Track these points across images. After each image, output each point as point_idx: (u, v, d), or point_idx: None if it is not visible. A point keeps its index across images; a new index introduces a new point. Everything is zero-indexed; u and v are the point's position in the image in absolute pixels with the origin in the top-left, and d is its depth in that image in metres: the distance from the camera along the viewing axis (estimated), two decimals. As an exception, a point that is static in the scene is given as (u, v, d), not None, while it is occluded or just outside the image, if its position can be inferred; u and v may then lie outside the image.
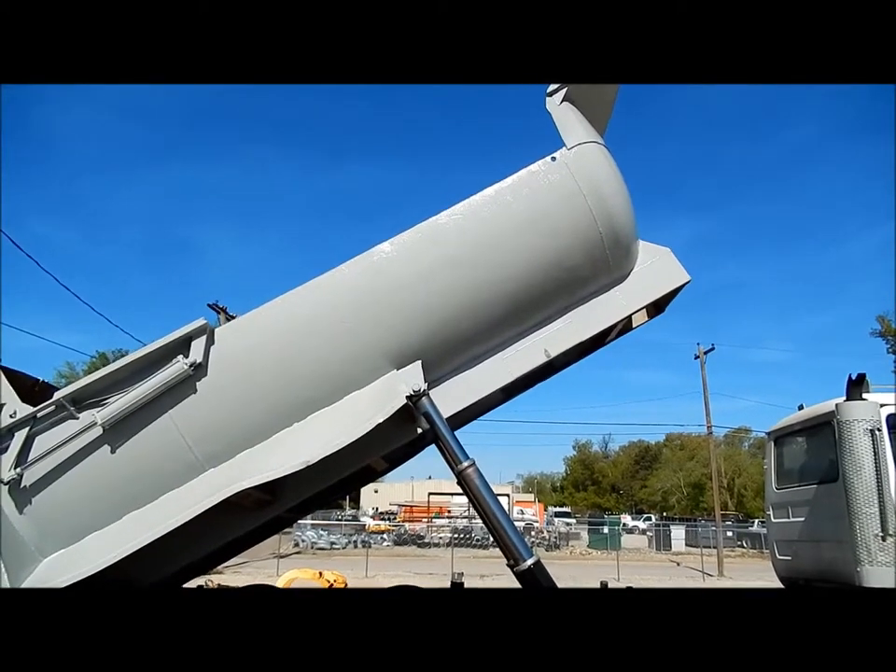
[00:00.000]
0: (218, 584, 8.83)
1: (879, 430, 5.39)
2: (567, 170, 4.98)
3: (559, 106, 5.10)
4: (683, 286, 5.46)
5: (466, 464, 4.95)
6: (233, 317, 31.61)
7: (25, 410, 4.79)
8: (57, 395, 4.80)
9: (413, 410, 4.93)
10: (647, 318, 5.79)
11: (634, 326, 5.85)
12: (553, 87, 5.08)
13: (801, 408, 7.09)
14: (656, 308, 5.71)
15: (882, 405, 5.61)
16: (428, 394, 4.98)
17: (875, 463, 5.30)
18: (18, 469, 4.72)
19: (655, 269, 5.43)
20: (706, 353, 33.77)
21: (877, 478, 5.28)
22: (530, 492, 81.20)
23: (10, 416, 4.78)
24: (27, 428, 4.78)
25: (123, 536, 4.75)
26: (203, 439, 4.88)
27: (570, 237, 5.04)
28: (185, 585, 5.89)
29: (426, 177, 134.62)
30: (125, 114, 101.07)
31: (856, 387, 5.66)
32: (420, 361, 5.02)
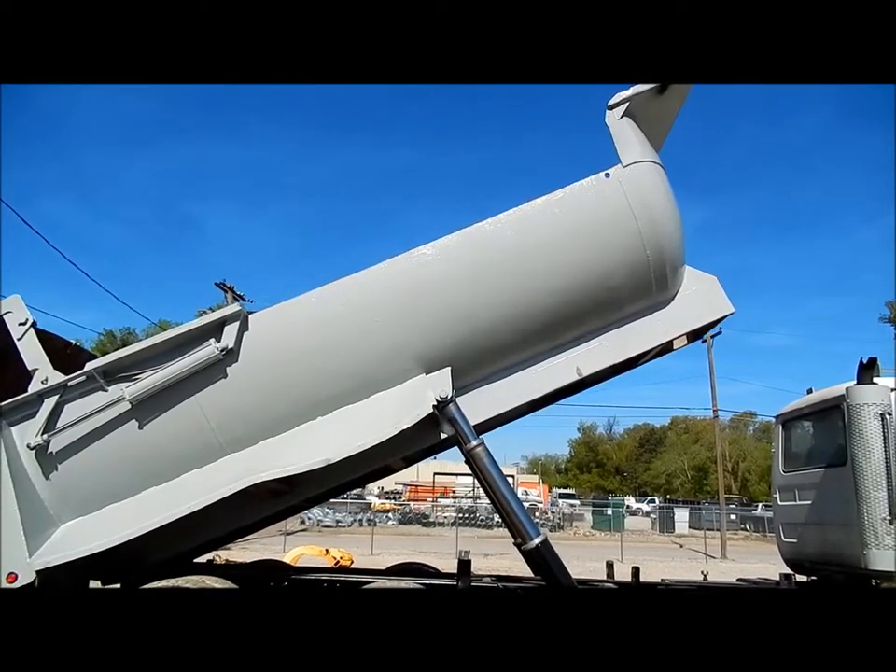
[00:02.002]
0: (226, 560, 8.93)
1: (889, 414, 5.37)
2: (620, 188, 4.86)
3: (618, 121, 4.96)
4: (726, 316, 5.35)
5: (475, 443, 4.96)
6: (241, 296, 31.54)
7: (57, 377, 4.84)
8: (88, 366, 4.83)
9: (437, 416, 4.90)
10: (686, 342, 5.66)
11: (674, 348, 5.72)
12: (614, 100, 4.93)
13: (810, 392, 7.07)
14: (695, 334, 5.60)
15: (893, 389, 5.59)
16: (455, 401, 4.94)
17: (885, 447, 5.28)
18: (45, 436, 4.78)
19: (699, 297, 5.30)
20: (713, 337, 33.65)
21: (886, 462, 5.27)
22: (535, 473, 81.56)
23: (42, 382, 4.83)
24: (57, 396, 4.83)
25: (142, 511, 4.81)
26: (226, 423, 4.90)
27: (616, 257, 4.92)
28: (196, 560, 5.97)
29: (430, 158, 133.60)
30: (127, 91, 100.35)
31: (867, 371, 5.63)
32: (450, 367, 4.96)
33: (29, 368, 4.86)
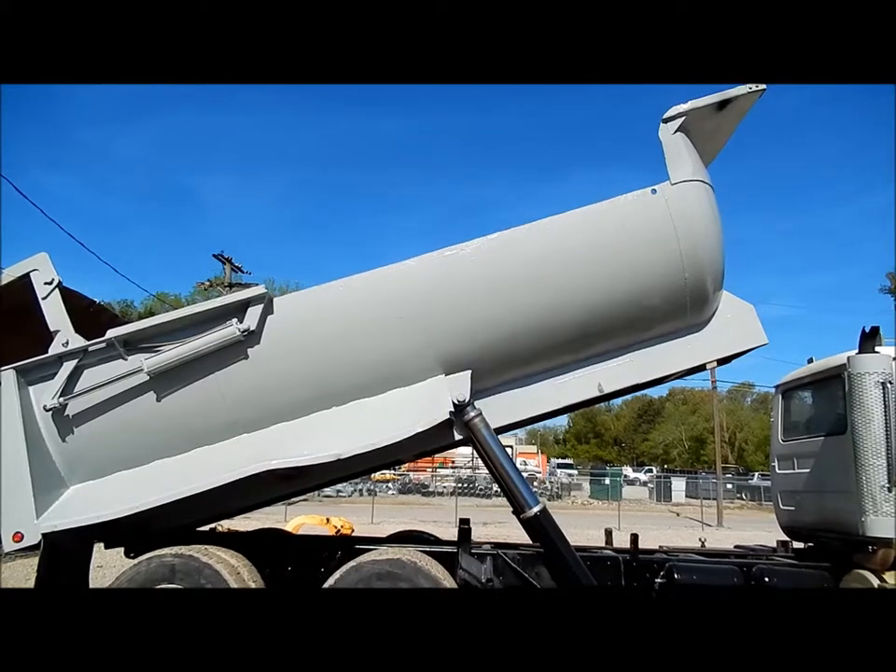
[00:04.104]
0: (228, 528, 8.99)
1: (891, 383, 5.35)
2: (666, 207, 4.73)
3: (672, 136, 4.81)
4: (759, 346, 5.26)
5: (472, 413, 4.95)
6: (238, 267, 31.35)
7: (77, 342, 4.84)
8: (110, 333, 4.83)
9: (453, 420, 4.88)
10: (715, 365, 5.58)
11: (706, 368, 5.63)
12: (670, 113, 4.78)
13: (811, 361, 7.06)
14: (725, 359, 5.53)
15: (894, 358, 5.56)
16: (474, 404, 4.91)
17: (885, 415, 5.27)
18: (62, 399, 4.79)
19: (734, 325, 5.21)
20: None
21: (886, 430, 5.26)
22: (533, 444, 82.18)
23: (63, 345, 4.83)
24: (76, 360, 4.83)
25: (151, 483, 4.84)
26: (242, 404, 4.90)
27: (653, 277, 4.81)
28: (199, 528, 6.01)
29: (432, 123, 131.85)
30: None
31: (869, 340, 5.59)
32: (470, 371, 4.91)
33: (51, 329, 4.85)
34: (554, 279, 4.80)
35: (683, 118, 4.79)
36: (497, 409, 5.15)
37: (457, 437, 5.09)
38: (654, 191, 4.78)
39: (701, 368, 5.57)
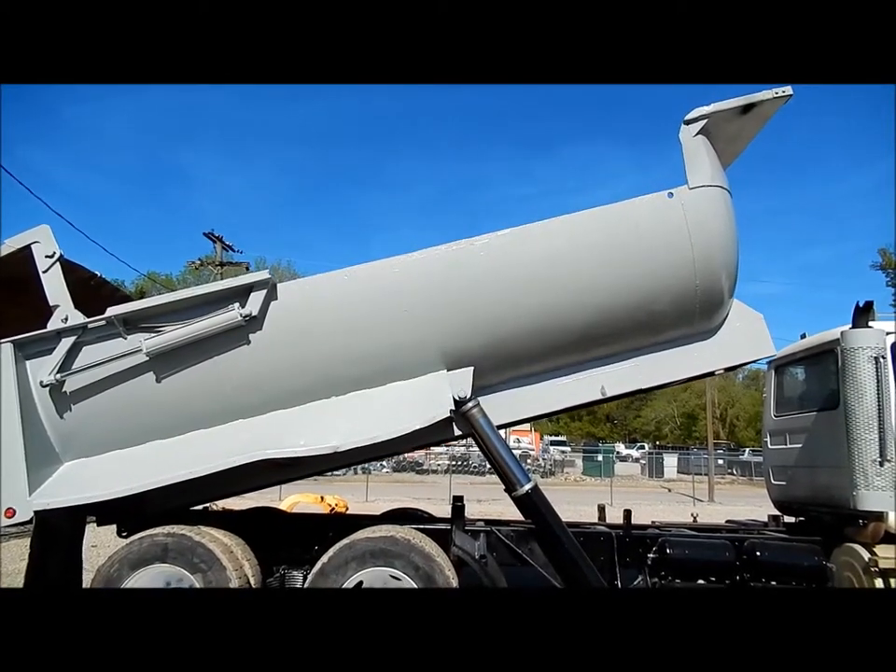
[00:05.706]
0: (223, 507, 9.00)
1: (884, 358, 5.36)
2: (682, 212, 4.64)
3: (693, 138, 4.70)
4: (766, 357, 5.23)
5: (470, 405, 4.94)
6: (230, 246, 31.00)
7: (77, 318, 4.77)
8: (110, 311, 4.77)
9: (453, 416, 4.84)
10: (723, 371, 5.57)
11: (714, 374, 5.61)
12: (692, 115, 4.67)
13: (803, 337, 7.07)
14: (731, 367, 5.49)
15: (888, 333, 5.57)
16: (478, 400, 4.88)
17: (878, 390, 5.28)
18: (59, 375, 4.74)
19: (742, 335, 5.16)
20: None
21: (878, 405, 5.27)
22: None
23: (62, 321, 4.76)
24: (75, 337, 4.77)
25: (146, 464, 4.82)
26: (240, 389, 4.86)
27: (663, 282, 4.74)
28: (192, 508, 5.99)
29: (421, 101, 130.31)
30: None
31: (863, 315, 5.58)
32: (473, 368, 4.86)
33: (51, 304, 4.78)
34: (564, 278, 4.76)
35: (706, 120, 4.70)
36: (498, 407, 5.13)
37: (457, 432, 5.10)
38: (671, 195, 4.72)
39: (707, 375, 5.56)
